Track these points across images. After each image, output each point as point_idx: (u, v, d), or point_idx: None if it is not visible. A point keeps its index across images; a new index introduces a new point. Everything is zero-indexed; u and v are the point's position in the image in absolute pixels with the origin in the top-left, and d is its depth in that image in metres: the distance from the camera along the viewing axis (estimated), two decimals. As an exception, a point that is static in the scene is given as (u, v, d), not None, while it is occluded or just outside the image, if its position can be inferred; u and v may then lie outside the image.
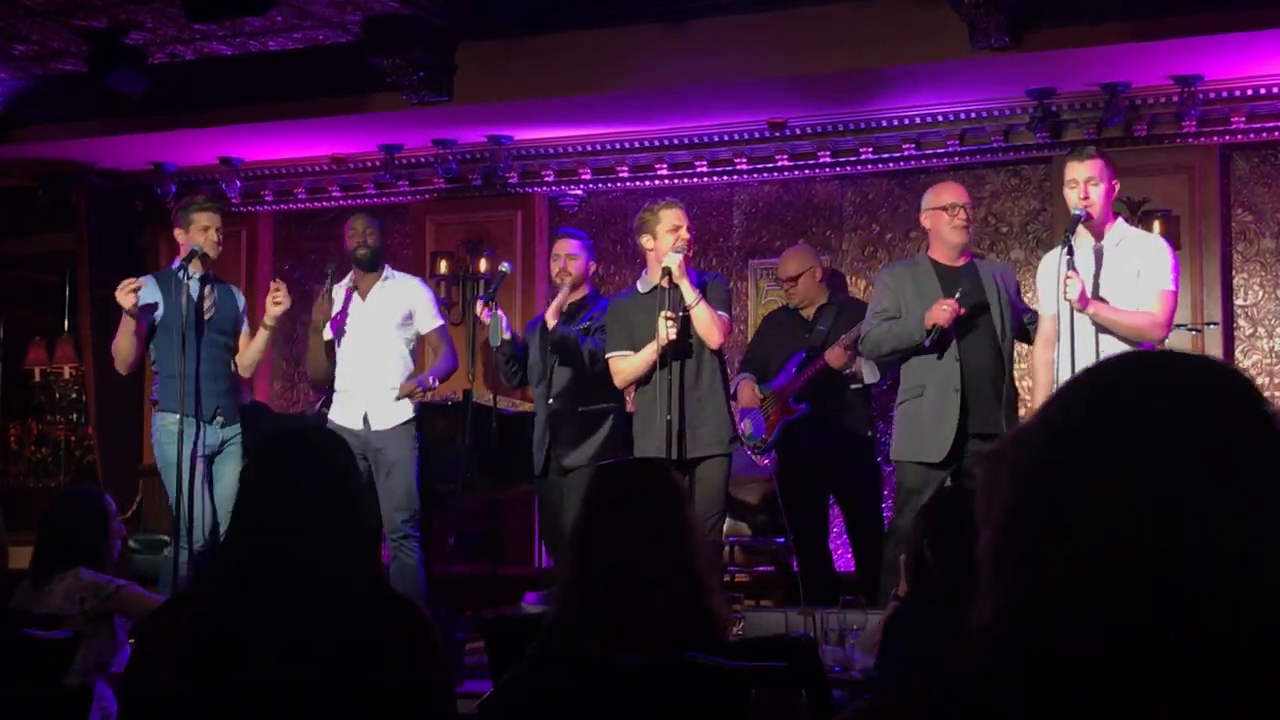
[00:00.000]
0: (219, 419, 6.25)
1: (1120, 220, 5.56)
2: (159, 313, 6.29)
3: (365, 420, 6.36)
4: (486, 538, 7.35)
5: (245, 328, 6.57)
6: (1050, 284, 5.47)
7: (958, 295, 5.77)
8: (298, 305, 9.82)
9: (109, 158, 9.17)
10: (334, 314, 6.54)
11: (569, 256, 6.57)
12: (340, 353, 6.53)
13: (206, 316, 6.22)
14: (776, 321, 7.37)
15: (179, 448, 6.11)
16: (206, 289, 6.25)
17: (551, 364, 6.42)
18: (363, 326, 6.49)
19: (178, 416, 6.16)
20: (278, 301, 6.33)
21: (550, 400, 6.42)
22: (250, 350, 6.49)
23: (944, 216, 6.01)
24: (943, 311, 5.67)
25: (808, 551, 6.83)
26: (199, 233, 6.33)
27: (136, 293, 6.10)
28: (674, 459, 5.75)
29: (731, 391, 7.08)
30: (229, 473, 6.20)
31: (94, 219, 9.42)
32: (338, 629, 2.28)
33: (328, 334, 6.60)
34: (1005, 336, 5.93)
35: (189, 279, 6.19)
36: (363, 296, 6.54)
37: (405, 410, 6.47)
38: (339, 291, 6.61)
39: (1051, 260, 5.56)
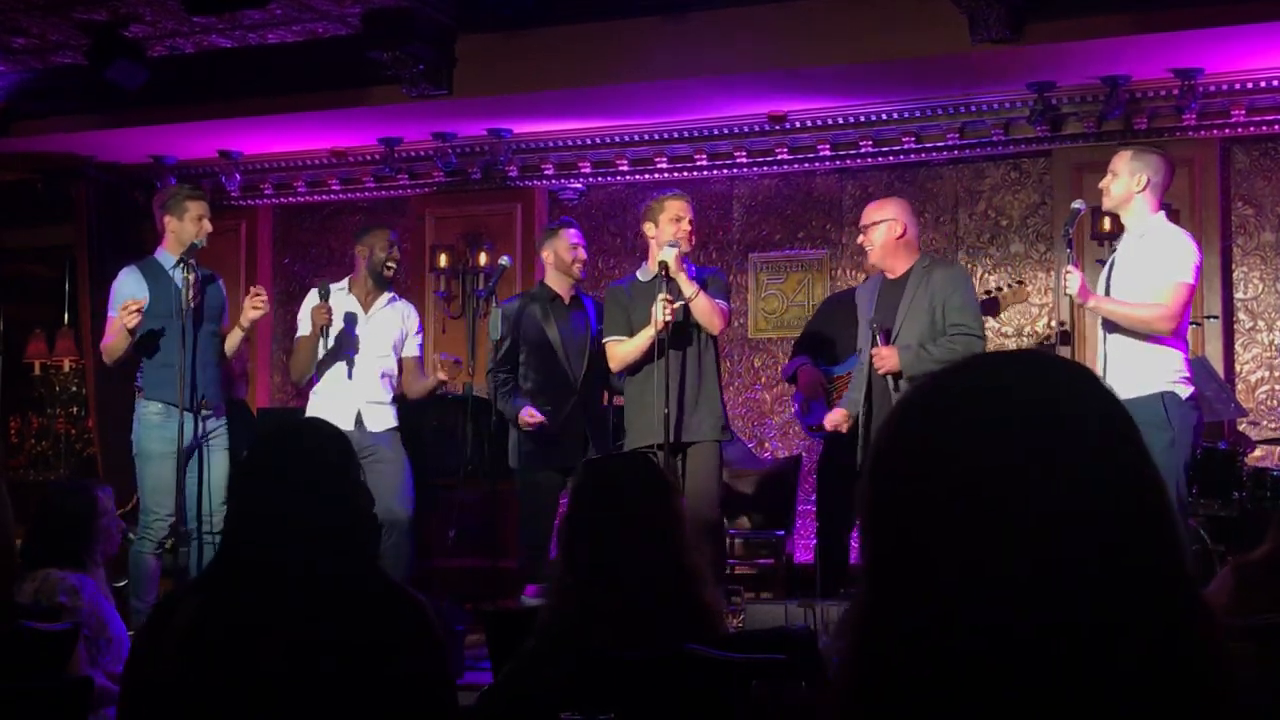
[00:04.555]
0: (206, 410, 6.22)
1: (1154, 216, 5.37)
2: (146, 303, 6.27)
3: (359, 420, 6.36)
4: (487, 530, 7.36)
5: (227, 318, 6.57)
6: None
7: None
8: (295, 300, 9.85)
9: (109, 151, 9.16)
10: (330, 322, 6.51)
11: (581, 247, 6.61)
12: (336, 359, 6.47)
13: (193, 304, 6.20)
14: (844, 302, 7.25)
15: (179, 438, 6.11)
16: (192, 278, 6.21)
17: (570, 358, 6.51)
18: (366, 339, 6.48)
19: (162, 405, 6.17)
20: (256, 307, 6.27)
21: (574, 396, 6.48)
22: (226, 347, 6.48)
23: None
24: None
25: (829, 542, 6.83)
26: (192, 222, 6.30)
27: (140, 313, 6.09)
28: (669, 443, 5.78)
29: (790, 374, 7.07)
30: (219, 464, 6.22)
31: (94, 212, 9.42)
32: (338, 620, 2.28)
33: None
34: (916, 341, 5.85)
35: (190, 272, 6.18)
36: (365, 310, 6.53)
37: (392, 417, 6.50)
38: (344, 297, 6.56)
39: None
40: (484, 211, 9.30)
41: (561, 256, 6.55)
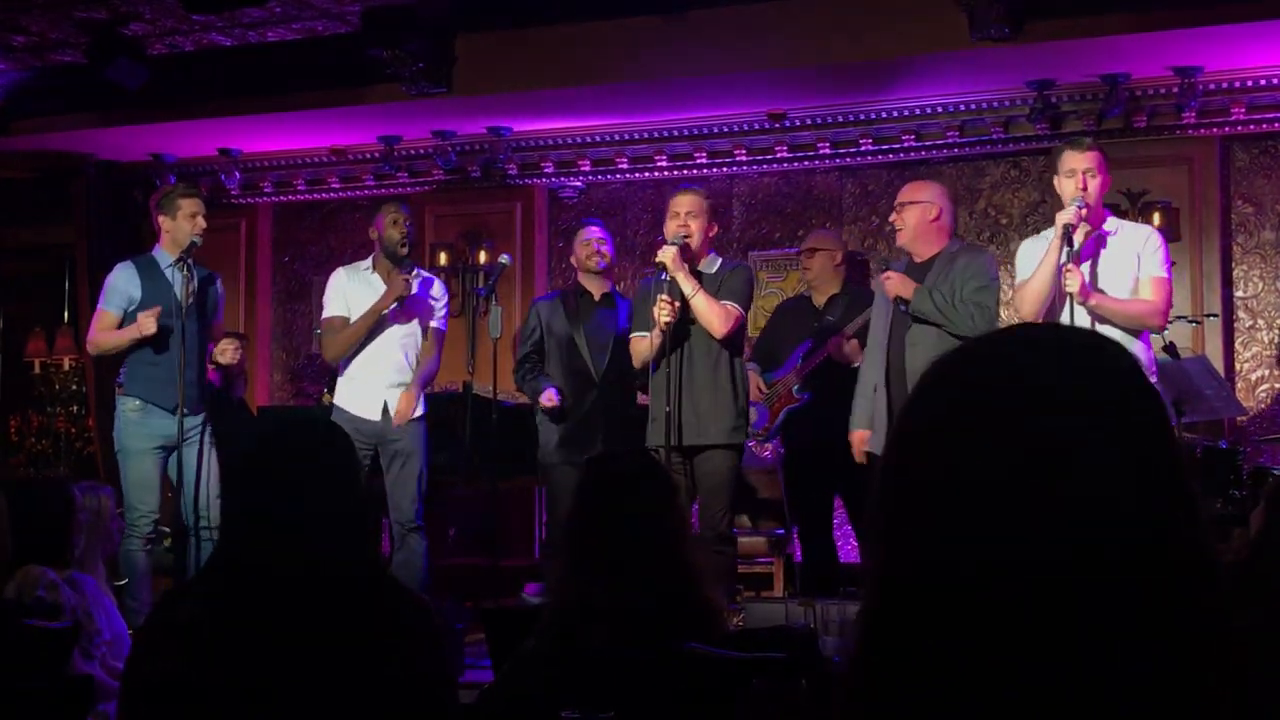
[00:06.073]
0: (185, 408, 6.22)
1: (1109, 213, 5.51)
2: (139, 299, 6.26)
3: (385, 411, 6.35)
4: (487, 529, 7.36)
5: (220, 315, 6.57)
6: (1029, 262, 5.42)
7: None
8: (295, 299, 9.85)
9: (108, 149, 9.16)
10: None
11: (601, 241, 6.62)
12: (364, 343, 6.45)
13: (189, 303, 6.19)
14: (788, 310, 7.29)
15: (179, 433, 6.12)
16: (189, 277, 6.20)
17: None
18: (391, 320, 6.46)
19: (140, 401, 6.17)
20: (223, 351, 6.45)
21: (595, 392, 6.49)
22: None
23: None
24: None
25: (810, 542, 6.82)
26: (186, 220, 6.28)
27: (157, 317, 6.11)
28: (674, 446, 5.77)
29: None
30: (213, 461, 6.21)
31: (93, 210, 9.42)
32: (338, 620, 2.28)
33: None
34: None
35: (189, 272, 6.17)
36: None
37: (419, 405, 6.48)
38: (369, 277, 6.53)
39: (1031, 246, 5.50)
40: (484, 209, 9.30)
41: (578, 254, 6.65)
